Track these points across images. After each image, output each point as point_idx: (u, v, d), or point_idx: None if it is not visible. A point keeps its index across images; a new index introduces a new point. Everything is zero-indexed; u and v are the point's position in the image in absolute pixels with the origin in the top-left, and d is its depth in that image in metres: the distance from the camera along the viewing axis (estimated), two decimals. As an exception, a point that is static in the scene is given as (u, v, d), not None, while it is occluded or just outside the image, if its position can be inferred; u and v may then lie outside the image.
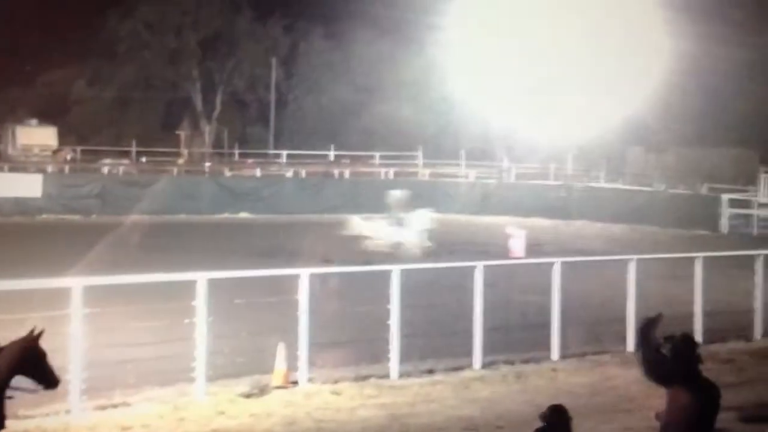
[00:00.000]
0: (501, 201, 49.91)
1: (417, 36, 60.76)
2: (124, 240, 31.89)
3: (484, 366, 15.16)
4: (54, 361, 11.54)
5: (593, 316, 17.85)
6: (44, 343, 11.68)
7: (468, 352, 15.18)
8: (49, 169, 50.84)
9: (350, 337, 16.06)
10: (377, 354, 14.60)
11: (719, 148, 54.60)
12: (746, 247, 26.09)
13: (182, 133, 64.62)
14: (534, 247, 31.77)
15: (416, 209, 33.82)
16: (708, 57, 51.99)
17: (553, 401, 8.79)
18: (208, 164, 57.30)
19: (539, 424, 8.29)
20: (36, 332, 9.10)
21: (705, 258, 18.05)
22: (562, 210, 48.46)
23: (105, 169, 52.46)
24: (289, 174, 55.57)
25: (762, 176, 46.58)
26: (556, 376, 14.98)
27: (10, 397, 8.91)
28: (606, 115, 51.48)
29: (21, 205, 44.55)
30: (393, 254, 29.32)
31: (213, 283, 13.39)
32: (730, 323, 18.35)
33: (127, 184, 49.12)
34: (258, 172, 55.18)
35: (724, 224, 44.55)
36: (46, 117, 58.73)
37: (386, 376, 14.36)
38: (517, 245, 31.97)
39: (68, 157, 56.11)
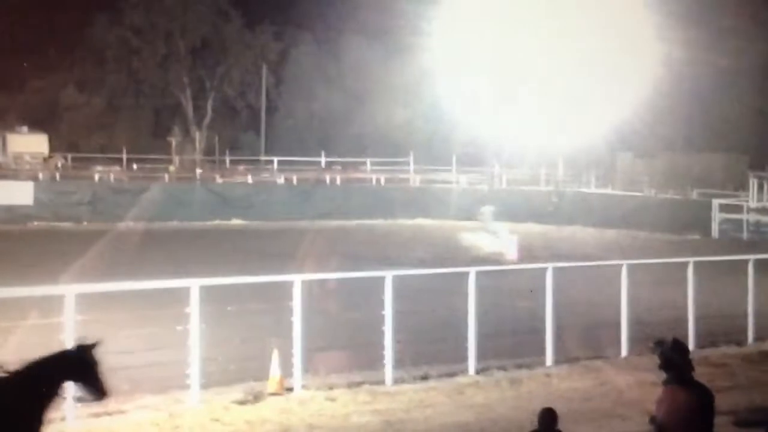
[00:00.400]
0: (493, 206, 49.97)
1: (407, 42, 60.86)
2: (115, 247, 31.86)
3: (479, 372, 15.17)
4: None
5: (586, 322, 17.89)
6: (36, 352, 11.69)
7: (462, 358, 15.19)
8: (40, 176, 50.72)
9: (344, 343, 16.07)
10: (371, 360, 14.60)
11: (708, 153, 54.86)
12: (737, 252, 26.20)
13: (173, 140, 64.50)
14: (526, 253, 31.82)
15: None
16: (696, 63, 52.29)
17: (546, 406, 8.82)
18: (199, 171, 57.27)
19: (533, 428, 8.33)
20: (89, 342, 9.15)
21: (697, 263, 18.10)
22: (554, 215, 48.64)
23: (96, 176, 52.39)
24: (281, 180, 55.57)
25: (752, 181, 46.78)
26: (550, 382, 14.99)
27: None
28: (595, 121, 51.64)
29: (12, 213, 44.47)
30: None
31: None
32: (722, 328, 18.42)
33: (118, 191, 49.08)
34: (249, 179, 55.18)
35: (715, 229, 44.74)
36: (36, 124, 58.63)
37: (381, 382, 14.36)
38: (511, 250, 32.11)
39: (59, 165, 56.01)
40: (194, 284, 13.25)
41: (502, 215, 44.23)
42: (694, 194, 48.91)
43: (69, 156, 58.27)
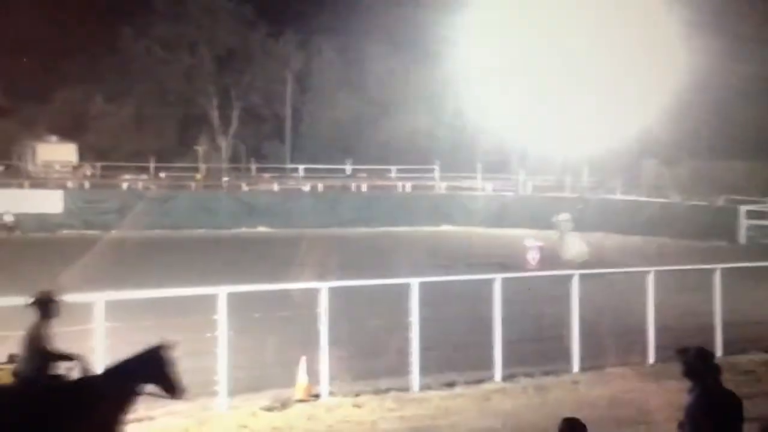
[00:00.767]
0: (517, 213, 49.96)
1: (432, 50, 60.93)
2: (144, 255, 32.09)
3: (505, 378, 15.19)
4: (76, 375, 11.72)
5: (612, 329, 17.85)
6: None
7: (488, 365, 15.21)
8: (70, 185, 51.22)
9: (371, 350, 16.12)
10: (398, 367, 14.65)
11: (732, 160, 54.53)
12: (765, 259, 25.99)
13: (200, 149, 64.95)
14: (551, 260, 31.74)
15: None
16: (719, 71, 52.07)
17: (573, 413, 8.83)
18: (225, 179, 57.59)
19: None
20: (167, 342, 9.40)
21: (723, 269, 18.02)
22: (579, 222, 48.45)
23: (124, 185, 52.82)
24: (306, 188, 55.76)
25: None
26: (576, 389, 14.99)
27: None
28: (620, 128, 51.48)
29: (42, 221, 44.94)
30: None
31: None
32: (749, 334, 18.31)
33: (146, 199, 49.45)
34: (275, 187, 55.43)
35: (742, 235, 44.45)
36: (65, 134, 59.21)
37: (407, 389, 14.41)
38: (534, 257, 32.07)
39: (88, 173, 56.52)
40: (222, 292, 13.38)
41: (527, 222, 44.36)
42: (721, 201, 48.60)
43: (97, 165, 58.76)
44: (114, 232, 42.80)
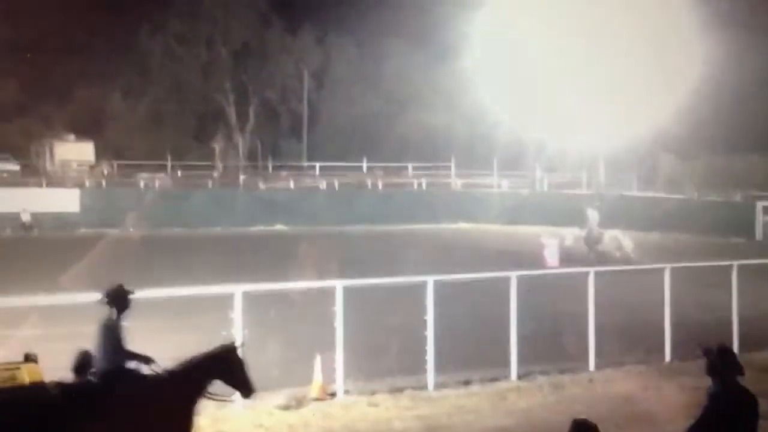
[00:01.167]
0: (534, 210, 49.88)
1: (448, 46, 60.88)
2: (160, 253, 32.18)
3: (521, 376, 15.17)
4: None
5: (629, 326, 17.80)
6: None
7: (504, 363, 15.19)
8: (87, 183, 51.44)
9: (386, 348, 16.11)
10: (413, 365, 14.64)
11: (749, 155, 54.26)
12: (783, 255, 25.86)
13: (216, 146, 65.15)
14: (568, 256, 31.70)
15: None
16: (736, 64, 51.79)
17: (588, 411, 8.82)
18: (242, 177, 57.73)
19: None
20: (236, 342, 9.49)
21: (741, 266, 17.93)
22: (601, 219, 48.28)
23: (141, 183, 53.03)
24: (323, 185, 55.84)
25: None
26: (592, 386, 14.95)
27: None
28: (636, 123, 51.28)
29: (59, 220, 45.13)
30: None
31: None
32: (767, 331, 18.21)
33: (164, 197, 49.64)
34: (292, 184, 55.52)
35: (760, 231, 44.20)
36: (82, 132, 59.49)
37: (423, 387, 14.41)
38: (551, 255, 32.01)
39: (105, 172, 56.79)
40: (238, 290, 13.40)
41: (543, 219, 44.28)
42: (738, 196, 48.35)
43: (115, 163, 59.02)
44: (131, 231, 42.97)
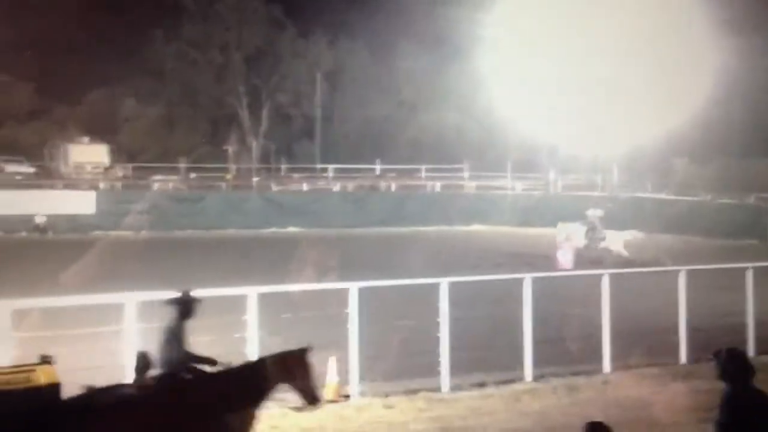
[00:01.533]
0: (547, 212, 49.78)
1: (461, 49, 60.89)
2: (174, 255, 32.29)
3: (535, 379, 15.15)
4: (111, 377, 11.81)
5: (644, 328, 17.77)
6: (97, 359, 11.95)
7: (519, 365, 15.19)
8: (101, 186, 51.63)
9: (401, 350, 16.11)
10: (428, 367, 14.64)
11: (762, 158, 54.07)
12: (798, 257, 25.72)
13: (230, 149, 65.29)
14: (582, 259, 31.67)
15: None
16: (751, 68, 51.64)
17: (602, 414, 8.81)
18: (255, 179, 57.84)
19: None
20: (304, 347, 9.50)
21: (755, 268, 17.87)
22: (610, 221, 48.19)
23: (155, 186, 53.20)
24: (336, 188, 55.91)
25: None
26: (606, 389, 14.92)
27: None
28: (650, 126, 51.20)
29: (74, 222, 45.32)
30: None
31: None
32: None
33: (177, 200, 49.79)
34: (305, 187, 55.61)
35: (773, 234, 44.06)
36: (97, 135, 59.71)
37: (437, 389, 14.41)
38: (564, 257, 31.98)
39: (119, 174, 56.97)
40: (252, 292, 13.43)
41: (557, 221, 44.11)
42: (752, 199, 48.19)
43: (129, 166, 59.21)
44: (144, 233, 43.12)
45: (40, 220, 44.83)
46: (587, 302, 16.90)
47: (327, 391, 13.83)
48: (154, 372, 9.60)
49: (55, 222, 45.16)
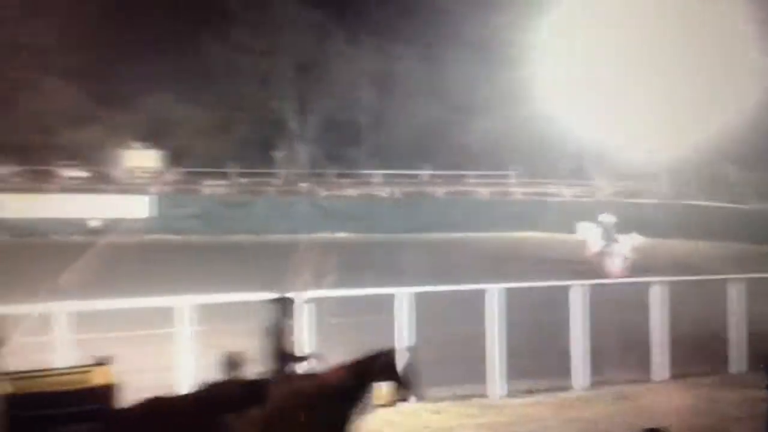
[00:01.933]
0: (596, 219, 49.46)
1: (511, 52, 60.66)
2: (223, 259, 32.57)
3: (586, 386, 15.10)
4: (163, 379, 12.00)
5: (695, 336, 17.62)
6: (150, 360, 12.14)
7: (569, 372, 15.14)
8: (153, 190, 52.26)
9: (450, 355, 16.11)
10: (478, 373, 14.65)
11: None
12: None
13: (279, 154, 65.71)
14: (632, 266, 31.45)
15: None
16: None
17: (655, 422, 8.79)
18: (303, 185, 58.13)
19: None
20: (391, 347, 9.74)
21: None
22: (660, 228, 47.82)
23: (205, 190, 53.71)
24: (384, 193, 55.99)
25: None
26: (658, 397, 14.84)
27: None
28: (701, 132, 50.68)
29: (125, 226, 45.89)
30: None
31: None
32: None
33: (226, 204, 50.24)
34: (353, 192, 55.77)
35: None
36: (149, 140, 60.44)
37: (486, 395, 14.42)
38: (614, 264, 31.80)
39: (170, 179, 57.60)
40: (298, 297, 13.53)
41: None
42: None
43: (179, 170, 59.82)
44: (195, 237, 43.58)
45: (95, 223, 45.50)
46: (637, 309, 16.82)
47: (377, 396, 13.88)
48: (243, 371, 9.76)
49: (109, 226, 45.81)
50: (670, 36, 52.41)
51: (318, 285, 13.46)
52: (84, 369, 9.68)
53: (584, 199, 55.18)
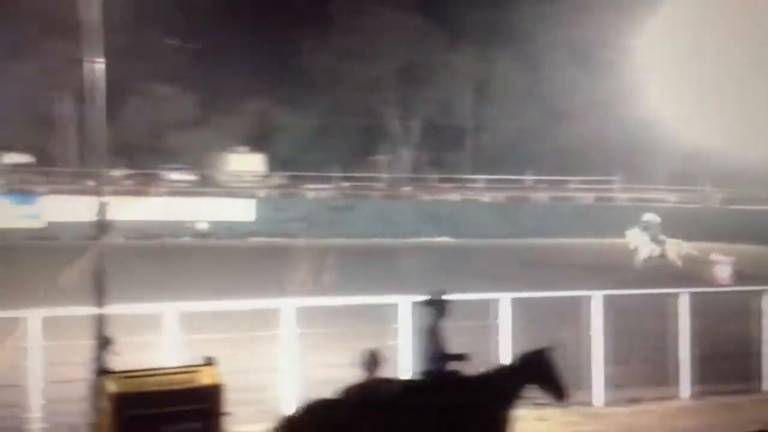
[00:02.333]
0: (704, 226, 48.37)
1: (613, 56, 59.84)
2: (328, 263, 32.84)
3: (692, 396, 14.82)
4: (267, 379, 12.19)
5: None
6: (250, 362, 12.32)
7: (674, 381, 14.87)
8: (259, 194, 53.11)
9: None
10: (581, 380, 14.50)
11: None
12: None
13: (381, 158, 66.09)
14: (741, 275, 30.69)
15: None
16: None
17: (765, 434, 8.58)
18: (406, 189, 58.31)
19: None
20: (547, 346, 9.91)
21: None
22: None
23: (310, 194, 54.36)
24: (486, 198, 55.79)
25: None
26: (767, 408, 14.46)
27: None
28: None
29: (233, 229, 46.80)
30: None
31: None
32: None
33: (330, 208, 50.75)
34: (455, 197, 55.72)
35: None
36: (255, 144, 61.48)
37: (590, 403, 14.26)
38: (723, 272, 31.08)
39: (276, 183, 58.46)
40: (403, 301, 13.61)
41: (714, 235, 42.87)
42: None
43: (284, 174, 60.65)
44: (299, 241, 44.10)
45: (202, 226, 46.48)
46: (745, 318, 16.42)
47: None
48: (382, 370, 9.94)
49: (216, 228, 46.72)
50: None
51: (421, 290, 13.46)
52: (192, 369, 9.89)
53: (691, 206, 53.95)
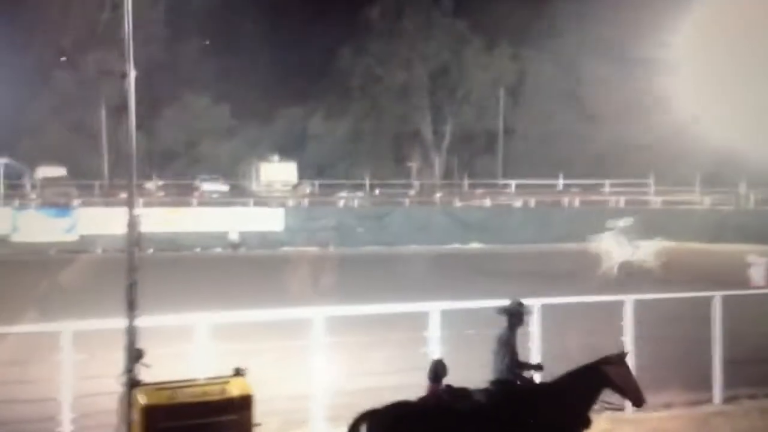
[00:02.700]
0: (739, 228, 47.95)
1: (646, 60, 59.50)
2: (358, 270, 32.92)
3: (726, 401, 14.68)
4: (296, 388, 12.22)
5: None
6: (283, 371, 12.35)
7: (708, 386, 14.74)
8: (290, 203, 53.25)
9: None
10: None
11: None
12: None
13: (413, 165, 66.10)
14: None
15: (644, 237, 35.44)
16: None
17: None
18: (438, 195, 58.27)
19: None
20: (623, 351, 10.14)
21: None
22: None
23: (341, 202, 54.46)
24: (518, 204, 55.63)
25: None
26: (802, 412, 14.31)
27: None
28: None
29: (264, 239, 46.93)
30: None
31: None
32: None
33: (362, 216, 50.79)
34: (487, 202, 55.59)
35: None
36: (286, 152, 61.72)
37: (622, 408, 14.16)
38: (758, 274, 30.79)
39: (307, 191, 58.60)
40: (434, 308, 13.58)
41: (749, 237, 42.44)
42: None
43: (315, 183, 60.82)
44: (331, 249, 44.17)
45: (233, 236, 46.68)
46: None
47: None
48: (446, 379, 10.05)
49: (247, 238, 46.89)
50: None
51: (453, 296, 13.47)
52: (222, 380, 9.94)
53: (725, 208, 53.49)
